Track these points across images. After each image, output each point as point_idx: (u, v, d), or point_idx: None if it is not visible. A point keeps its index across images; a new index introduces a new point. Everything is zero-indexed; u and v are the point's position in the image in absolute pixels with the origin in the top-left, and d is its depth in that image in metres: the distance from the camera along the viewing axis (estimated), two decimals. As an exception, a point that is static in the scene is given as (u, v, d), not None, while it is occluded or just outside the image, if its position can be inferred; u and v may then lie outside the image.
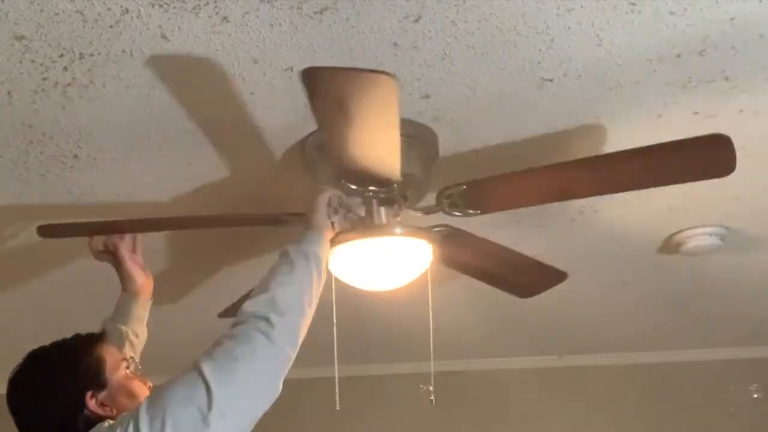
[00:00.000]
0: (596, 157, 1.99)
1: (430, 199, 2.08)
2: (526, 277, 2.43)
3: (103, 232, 2.18)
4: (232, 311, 2.42)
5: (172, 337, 2.95)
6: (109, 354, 1.84)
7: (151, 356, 2.16)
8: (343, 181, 1.92)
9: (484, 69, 1.74)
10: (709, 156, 1.83)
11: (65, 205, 2.23)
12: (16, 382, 1.80)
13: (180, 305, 3.04)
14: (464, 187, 1.98)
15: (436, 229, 2.11)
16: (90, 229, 2.18)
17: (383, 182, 1.93)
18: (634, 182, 2.01)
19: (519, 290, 2.54)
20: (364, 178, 1.92)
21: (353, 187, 1.93)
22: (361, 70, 1.54)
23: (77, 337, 1.85)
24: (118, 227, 2.17)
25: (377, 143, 1.76)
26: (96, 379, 1.77)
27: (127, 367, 1.86)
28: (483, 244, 2.24)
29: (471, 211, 2.04)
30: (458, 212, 2.05)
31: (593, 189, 2.01)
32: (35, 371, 1.80)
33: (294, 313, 1.72)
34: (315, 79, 1.50)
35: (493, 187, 1.99)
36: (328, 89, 1.54)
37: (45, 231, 2.14)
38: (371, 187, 1.96)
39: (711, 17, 1.61)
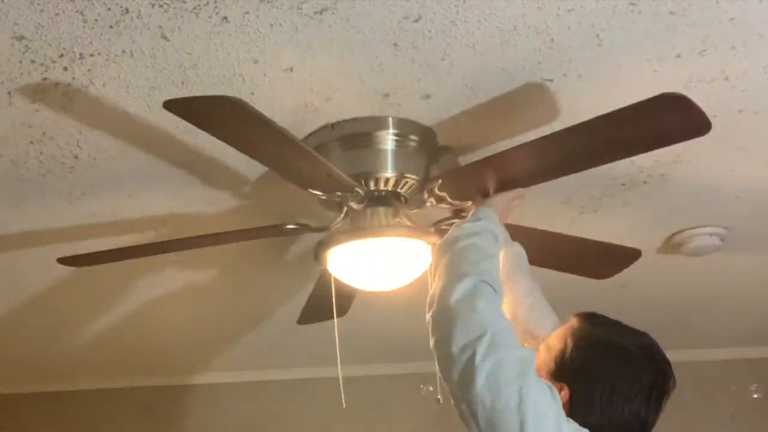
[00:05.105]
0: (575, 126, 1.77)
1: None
2: (592, 259, 2.34)
3: (122, 258, 2.22)
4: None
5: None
6: None
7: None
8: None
9: (484, 69, 1.74)
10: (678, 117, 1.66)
11: (66, 207, 2.24)
12: None
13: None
14: (439, 181, 1.97)
15: (448, 222, 2.08)
16: (110, 257, 2.22)
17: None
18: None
19: (590, 272, 2.44)
20: None
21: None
22: None
23: None
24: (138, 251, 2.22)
25: None
26: None
27: None
28: (520, 232, 2.13)
29: (458, 202, 2.02)
30: (447, 205, 2.04)
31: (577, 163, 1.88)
32: None
33: None
34: None
35: (467, 175, 1.98)
36: None
37: (67, 261, 2.23)
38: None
39: (711, 17, 1.61)
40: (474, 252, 1.73)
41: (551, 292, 3.16)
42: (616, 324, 1.72)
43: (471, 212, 1.91)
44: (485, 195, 1.94)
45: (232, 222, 2.40)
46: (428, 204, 2.03)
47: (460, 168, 2.06)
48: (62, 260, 2.23)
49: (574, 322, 1.73)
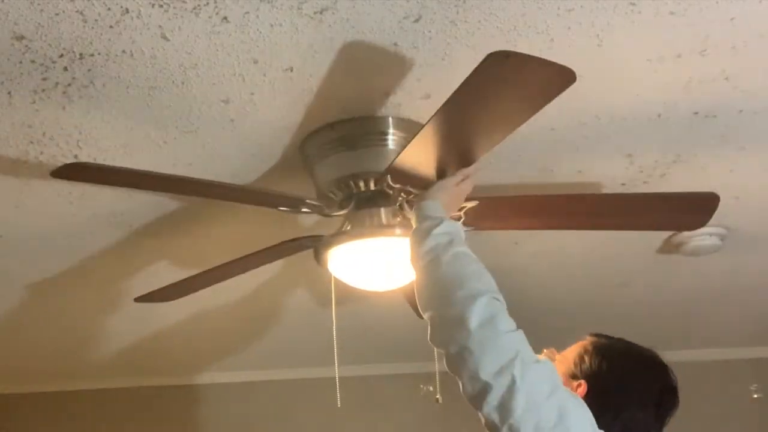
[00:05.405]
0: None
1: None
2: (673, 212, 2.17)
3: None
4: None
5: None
6: None
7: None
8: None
9: (484, 69, 1.74)
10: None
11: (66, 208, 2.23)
12: None
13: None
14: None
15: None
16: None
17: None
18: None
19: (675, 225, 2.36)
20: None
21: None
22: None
23: None
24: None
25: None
26: None
27: None
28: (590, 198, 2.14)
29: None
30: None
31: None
32: None
33: None
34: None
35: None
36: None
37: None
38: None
39: (711, 17, 1.61)
40: (466, 263, 1.63)
41: (553, 293, 3.16)
42: (629, 341, 1.83)
43: (416, 208, 1.74)
44: (427, 184, 1.78)
45: (233, 221, 2.40)
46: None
47: (399, 157, 1.79)
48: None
49: (590, 337, 1.82)
